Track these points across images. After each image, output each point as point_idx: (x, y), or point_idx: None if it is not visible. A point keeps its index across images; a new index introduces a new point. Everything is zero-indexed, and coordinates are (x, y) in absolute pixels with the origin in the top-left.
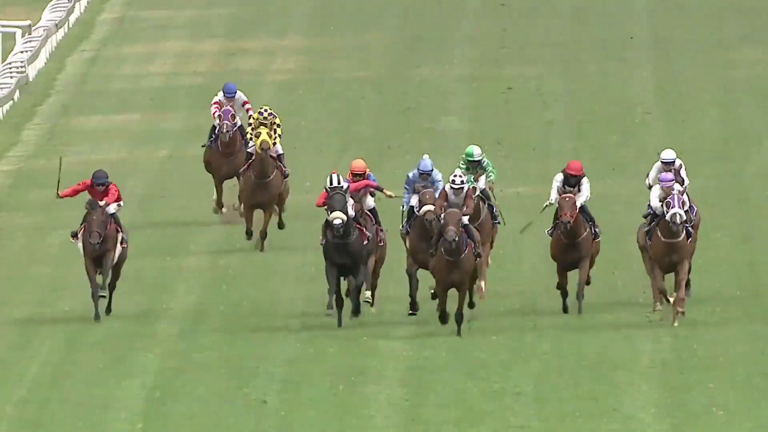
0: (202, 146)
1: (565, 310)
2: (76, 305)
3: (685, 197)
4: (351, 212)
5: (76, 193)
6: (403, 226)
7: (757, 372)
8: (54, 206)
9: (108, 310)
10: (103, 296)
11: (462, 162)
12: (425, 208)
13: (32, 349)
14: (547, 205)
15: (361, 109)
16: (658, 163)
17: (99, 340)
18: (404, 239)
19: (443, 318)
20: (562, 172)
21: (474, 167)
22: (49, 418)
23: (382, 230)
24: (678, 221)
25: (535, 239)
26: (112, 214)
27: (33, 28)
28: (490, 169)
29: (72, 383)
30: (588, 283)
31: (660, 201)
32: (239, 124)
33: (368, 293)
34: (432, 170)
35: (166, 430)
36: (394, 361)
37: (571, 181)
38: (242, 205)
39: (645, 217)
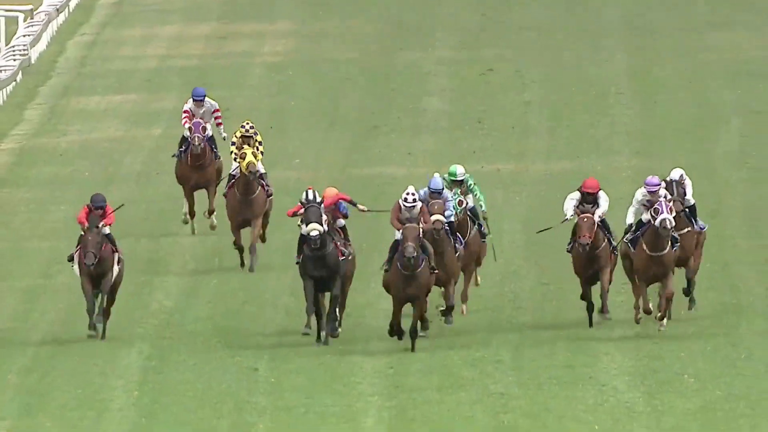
0: (173, 156)
1: (590, 324)
2: (75, 278)
3: (671, 204)
4: (325, 227)
5: (84, 227)
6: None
7: (727, 343)
8: (55, 183)
9: (103, 336)
10: (98, 323)
11: (446, 181)
12: (434, 217)
13: (34, 320)
14: (565, 220)
15: (347, 90)
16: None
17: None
18: None
19: (398, 333)
20: (578, 190)
21: (457, 186)
22: (49, 385)
23: (349, 244)
24: (668, 226)
25: (515, 210)
26: (107, 235)
27: (35, 13)
28: (479, 194)
29: (72, 352)
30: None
31: (643, 205)
32: (210, 134)
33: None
34: (443, 189)
35: (161, 397)
36: (379, 335)
37: (589, 199)
38: (230, 224)
39: (626, 232)
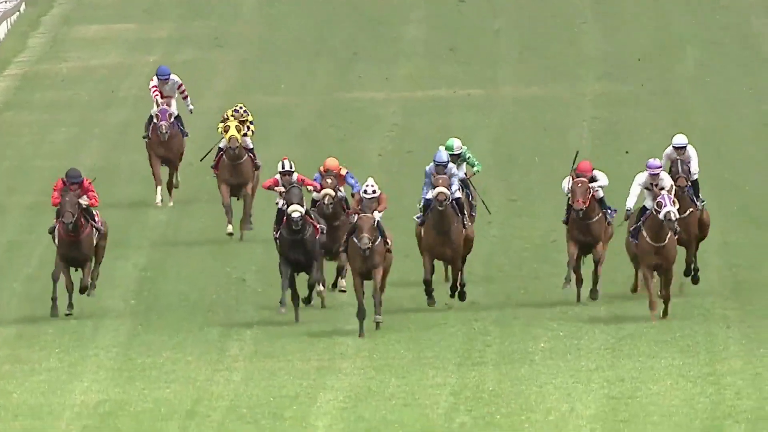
0: (143, 137)
1: (578, 298)
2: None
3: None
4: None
5: (60, 196)
6: (418, 218)
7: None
8: (57, 106)
9: (70, 307)
10: (70, 314)
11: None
12: (438, 189)
13: (38, 233)
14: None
15: (331, 21)
16: (669, 149)
17: None
18: (419, 233)
19: (361, 312)
20: (570, 175)
21: (454, 160)
22: (51, 294)
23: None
24: (672, 218)
25: (485, 131)
26: (86, 209)
27: None
28: (475, 161)
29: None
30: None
31: (644, 186)
32: (176, 113)
33: (321, 287)
34: (448, 161)
35: (156, 305)
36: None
37: None
38: (219, 187)
39: (627, 218)
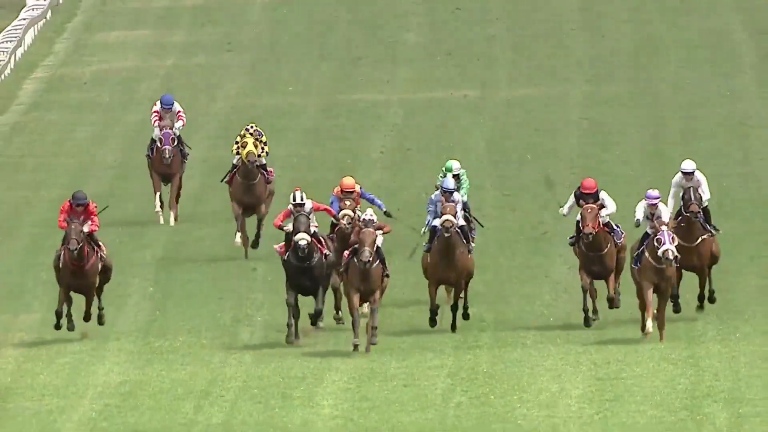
0: (146, 156)
1: (591, 317)
2: (100, 189)
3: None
4: (312, 230)
5: (66, 220)
6: (425, 245)
7: None
8: (80, 107)
9: (71, 325)
10: (71, 328)
11: (442, 174)
12: (445, 216)
13: None
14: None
15: (334, 26)
16: (678, 176)
17: (118, 219)
18: (425, 259)
19: (355, 327)
20: (575, 192)
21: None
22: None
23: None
24: (670, 257)
25: (479, 130)
26: (90, 234)
27: None
28: (466, 184)
29: None
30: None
31: (645, 216)
32: (177, 132)
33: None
34: (454, 190)
35: (173, 293)
36: None
37: (588, 200)
38: (233, 209)
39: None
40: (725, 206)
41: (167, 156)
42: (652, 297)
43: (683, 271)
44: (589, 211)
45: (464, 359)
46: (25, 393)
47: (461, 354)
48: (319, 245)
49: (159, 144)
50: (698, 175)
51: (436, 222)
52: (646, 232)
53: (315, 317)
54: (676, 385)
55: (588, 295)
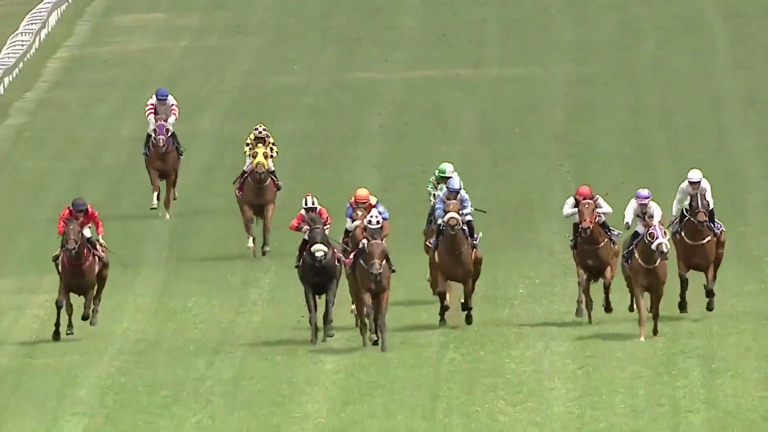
0: (143, 153)
1: (590, 320)
2: (118, 161)
3: (664, 228)
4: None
5: (65, 224)
6: (431, 243)
7: None
8: (99, 85)
9: (70, 327)
10: (71, 333)
11: (434, 177)
12: (449, 215)
13: (83, 193)
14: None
15: (338, 10)
16: (685, 184)
17: (134, 189)
18: (432, 256)
19: (363, 329)
20: (573, 196)
21: (444, 183)
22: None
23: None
24: (664, 250)
25: (471, 106)
26: (89, 239)
27: None
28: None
29: (113, 225)
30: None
31: (638, 216)
32: (172, 131)
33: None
34: (460, 189)
35: (186, 256)
36: None
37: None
38: (242, 214)
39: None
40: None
41: (161, 145)
42: (643, 305)
43: (688, 270)
44: (587, 206)
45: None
46: (49, 350)
47: (453, 314)
48: (331, 248)
49: (154, 135)
50: (704, 183)
51: (441, 221)
52: (636, 232)
53: (326, 306)
54: (654, 343)
55: (582, 291)
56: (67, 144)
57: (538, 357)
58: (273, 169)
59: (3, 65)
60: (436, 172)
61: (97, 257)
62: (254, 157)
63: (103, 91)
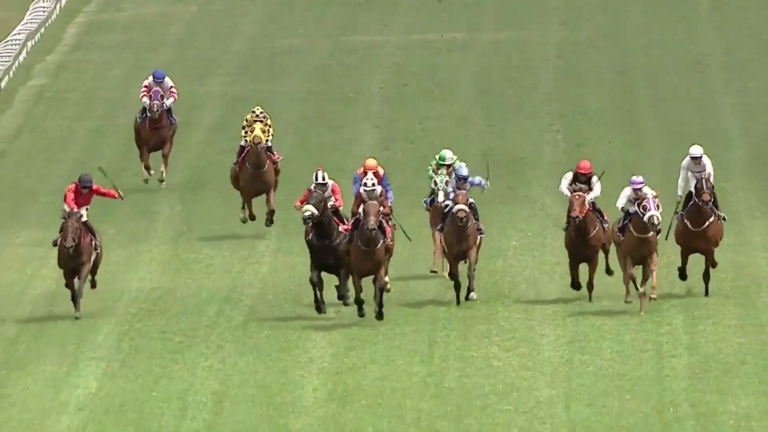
0: (136, 124)
1: (590, 299)
2: (133, 119)
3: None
4: (332, 205)
5: (75, 200)
6: (439, 229)
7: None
8: (115, 47)
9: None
10: (77, 317)
11: (434, 163)
12: (457, 207)
13: (100, 151)
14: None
15: None
16: (687, 160)
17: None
18: (440, 239)
19: (360, 306)
20: (572, 171)
21: (444, 169)
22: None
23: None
24: (656, 222)
25: (467, 68)
26: (86, 222)
27: None
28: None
29: (128, 175)
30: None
31: (630, 201)
32: (167, 105)
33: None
34: (468, 175)
35: (197, 211)
36: None
37: (581, 179)
38: (243, 197)
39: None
40: (683, 134)
41: (155, 110)
42: (633, 271)
43: (690, 253)
44: (577, 197)
45: None
46: (69, 299)
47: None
48: (340, 223)
49: (147, 102)
50: (705, 159)
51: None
52: (628, 211)
53: (339, 297)
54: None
55: (575, 286)
56: (85, 104)
57: (529, 306)
58: (270, 146)
59: (26, 30)
60: (436, 157)
61: (92, 241)
62: (251, 131)
63: (118, 54)
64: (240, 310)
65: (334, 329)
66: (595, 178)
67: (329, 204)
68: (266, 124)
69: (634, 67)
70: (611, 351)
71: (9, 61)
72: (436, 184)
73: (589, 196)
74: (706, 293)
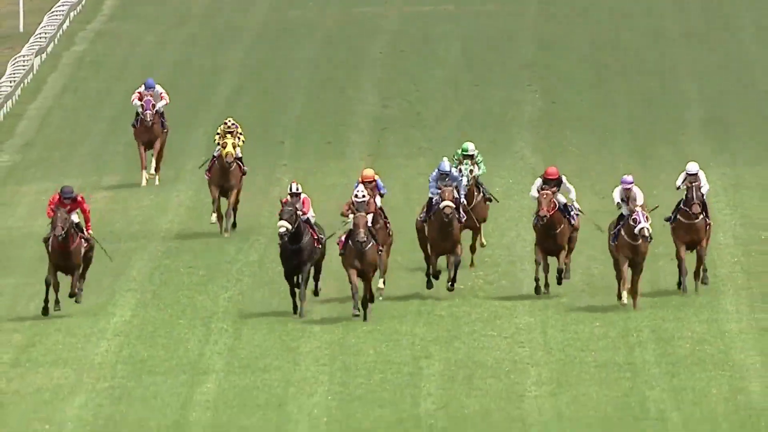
0: (132, 125)
1: (542, 288)
2: (163, 80)
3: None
4: (306, 217)
5: (54, 211)
6: (421, 217)
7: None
8: (147, 19)
9: (57, 304)
10: (58, 309)
11: (456, 156)
12: (444, 203)
13: (115, 134)
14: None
15: None
16: (682, 176)
17: (174, 101)
18: (421, 229)
19: (355, 303)
20: (540, 177)
21: (469, 159)
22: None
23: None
24: (646, 234)
25: (457, 35)
26: (77, 224)
27: None
28: (482, 164)
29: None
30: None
31: (621, 199)
32: (160, 108)
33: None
34: (450, 171)
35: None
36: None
37: (551, 184)
38: (211, 193)
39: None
40: (645, 94)
41: (148, 119)
42: (627, 271)
43: (686, 250)
44: (545, 196)
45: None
46: (108, 237)
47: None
48: (312, 230)
49: (141, 110)
50: (700, 173)
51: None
52: (622, 214)
53: (302, 285)
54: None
55: (540, 268)
56: (120, 68)
57: (511, 243)
58: (240, 156)
59: (69, 2)
60: (459, 150)
61: (83, 240)
62: (224, 147)
63: (149, 25)
64: (256, 249)
65: (339, 268)
66: (564, 179)
67: (299, 213)
68: (236, 135)
69: (603, 36)
70: (582, 284)
71: (54, 29)
72: (460, 171)
73: (571, 196)
74: (699, 283)
